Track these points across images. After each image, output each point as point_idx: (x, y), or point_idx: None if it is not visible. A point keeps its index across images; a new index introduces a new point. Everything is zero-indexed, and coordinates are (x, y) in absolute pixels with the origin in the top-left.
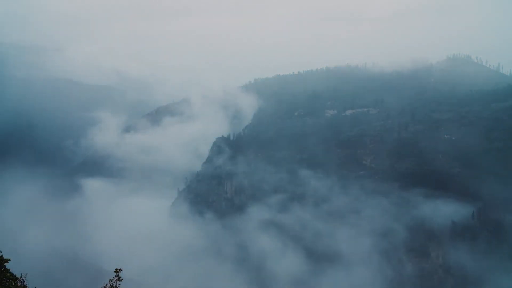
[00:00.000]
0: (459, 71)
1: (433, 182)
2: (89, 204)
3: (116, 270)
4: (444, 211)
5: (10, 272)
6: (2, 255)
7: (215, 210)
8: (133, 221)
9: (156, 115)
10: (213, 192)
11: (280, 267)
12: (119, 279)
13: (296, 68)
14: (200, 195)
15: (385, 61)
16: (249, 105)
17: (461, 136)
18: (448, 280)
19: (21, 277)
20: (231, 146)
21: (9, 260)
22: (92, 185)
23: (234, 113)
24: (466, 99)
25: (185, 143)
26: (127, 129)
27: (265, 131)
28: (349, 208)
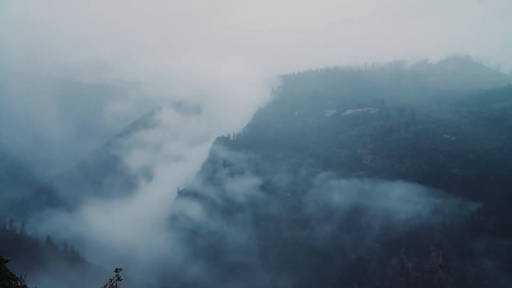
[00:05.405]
0: (459, 71)
1: (433, 182)
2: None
3: (116, 270)
4: (444, 211)
5: (10, 272)
6: (2, 255)
7: (214, 210)
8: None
9: (158, 114)
10: (212, 191)
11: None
12: (119, 279)
13: (296, 68)
14: (199, 195)
15: (385, 61)
16: (249, 105)
17: (461, 136)
18: (448, 280)
19: (21, 277)
20: (231, 145)
21: (9, 260)
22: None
23: (234, 112)
24: (466, 99)
25: (186, 141)
26: (130, 126)
27: (265, 131)
28: (349, 208)
